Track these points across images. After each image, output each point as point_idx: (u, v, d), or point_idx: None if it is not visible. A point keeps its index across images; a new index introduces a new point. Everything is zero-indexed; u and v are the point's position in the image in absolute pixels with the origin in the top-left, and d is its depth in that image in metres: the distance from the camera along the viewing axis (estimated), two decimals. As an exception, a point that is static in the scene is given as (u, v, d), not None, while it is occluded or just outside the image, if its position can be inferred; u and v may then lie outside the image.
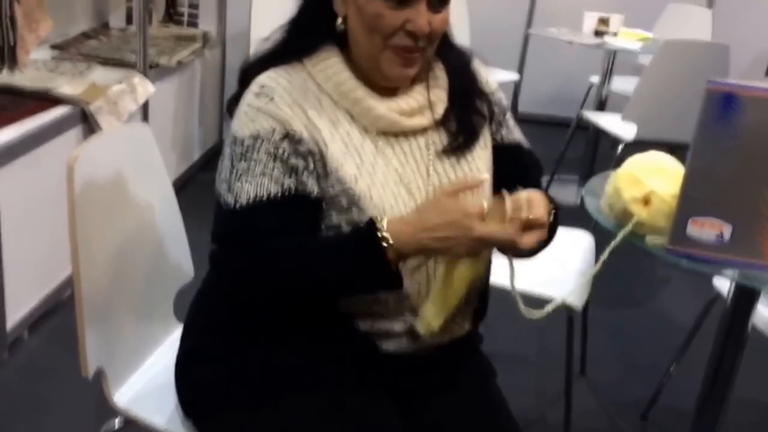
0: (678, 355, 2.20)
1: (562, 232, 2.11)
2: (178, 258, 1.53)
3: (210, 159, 3.75)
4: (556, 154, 3.77)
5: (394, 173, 1.18)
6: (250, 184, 1.10)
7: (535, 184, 1.29)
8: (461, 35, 4.20)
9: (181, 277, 1.55)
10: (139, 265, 1.43)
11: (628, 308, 2.91)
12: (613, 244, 1.28)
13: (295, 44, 1.20)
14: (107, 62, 2.84)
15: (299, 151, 1.12)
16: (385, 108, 1.18)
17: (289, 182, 1.11)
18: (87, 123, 2.40)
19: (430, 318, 1.16)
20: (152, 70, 2.91)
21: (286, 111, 1.13)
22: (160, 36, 3.36)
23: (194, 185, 3.48)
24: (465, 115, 1.25)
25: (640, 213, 1.34)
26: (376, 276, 1.08)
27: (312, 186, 1.13)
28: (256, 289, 1.13)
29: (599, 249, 2.10)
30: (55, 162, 2.24)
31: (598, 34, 3.60)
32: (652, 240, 1.35)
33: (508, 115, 1.35)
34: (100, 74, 2.67)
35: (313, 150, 1.13)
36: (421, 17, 1.12)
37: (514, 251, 1.12)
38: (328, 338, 1.19)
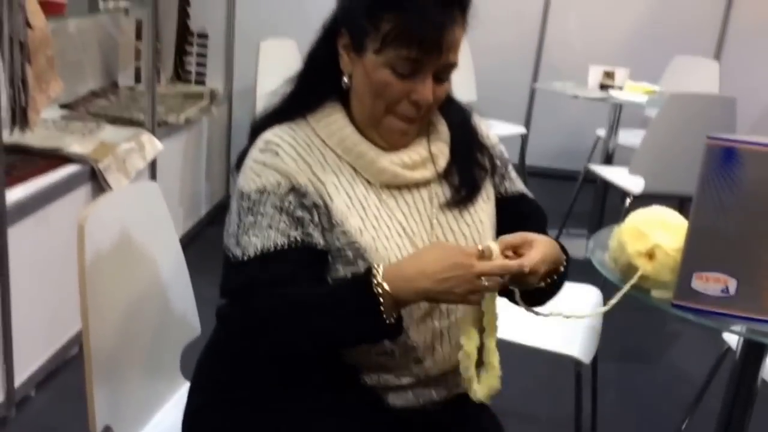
0: (690, 410, 2.16)
1: (570, 287, 2.11)
2: (186, 314, 1.54)
3: (217, 214, 3.78)
4: (564, 207, 3.77)
5: (398, 225, 1.19)
6: (257, 237, 1.12)
7: (541, 232, 1.30)
8: (468, 90, 4.26)
9: (188, 333, 1.55)
10: (148, 322, 1.44)
11: (639, 363, 2.87)
12: (620, 294, 1.28)
13: (300, 100, 1.23)
14: (116, 121, 2.88)
15: (304, 204, 1.15)
16: (388, 161, 1.20)
17: (296, 234, 1.13)
18: (96, 181, 2.43)
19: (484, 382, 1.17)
20: (160, 128, 2.96)
21: (291, 165, 1.16)
22: (168, 94, 3.42)
23: (201, 240, 3.49)
24: (467, 168, 1.28)
25: (644, 267, 1.35)
26: (373, 325, 1.08)
27: (318, 238, 1.15)
28: (264, 340, 1.13)
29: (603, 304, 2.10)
30: (64, 219, 2.27)
31: (603, 87, 3.63)
32: (657, 294, 1.35)
33: (510, 167, 1.37)
34: (109, 133, 2.71)
35: (318, 203, 1.15)
36: (426, 89, 1.15)
37: (522, 283, 1.13)
38: (335, 393, 1.20)
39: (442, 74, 1.16)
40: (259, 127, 1.23)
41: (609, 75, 3.62)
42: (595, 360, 2.06)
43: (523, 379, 2.41)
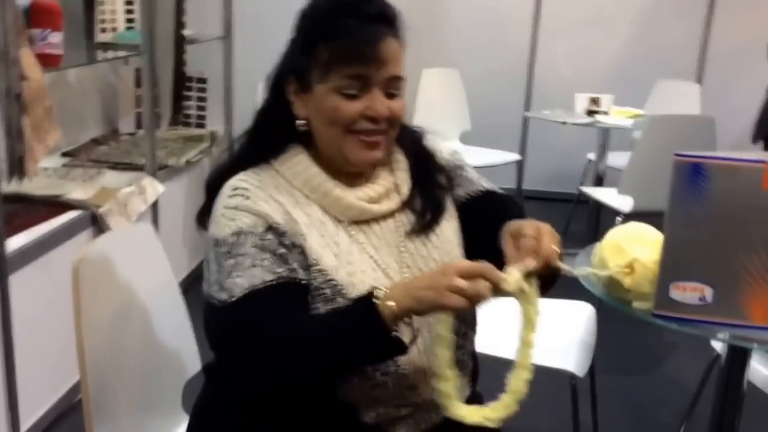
0: (686, 417, 2.20)
1: (564, 304, 2.16)
2: (185, 351, 1.56)
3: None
4: (560, 228, 3.82)
5: (369, 260, 1.21)
6: (242, 277, 1.11)
7: (519, 217, 1.27)
8: (462, 120, 4.37)
9: (189, 368, 1.57)
10: (146, 360, 1.46)
11: (637, 376, 2.92)
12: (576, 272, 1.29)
13: (261, 148, 1.25)
14: (117, 166, 2.93)
15: (284, 243, 1.15)
16: (354, 197, 1.23)
17: (281, 270, 1.13)
18: (98, 226, 2.47)
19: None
20: (161, 171, 3.00)
21: (263, 206, 1.16)
22: (169, 138, 3.47)
23: (205, 280, 3.52)
24: (429, 192, 1.30)
25: (624, 280, 1.39)
26: (377, 337, 1.06)
27: (301, 273, 1.15)
28: (264, 379, 1.11)
29: (601, 320, 2.14)
30: (65, 265, 2.25)
31: (590, 113, 3.71)
32: (639, 305, 1.39)
33: (463, 171, 1.37)
34: (110, 178, 2.76)
35: (296, 242, 1.16)
36: (378, 103, 1.18)
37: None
38: None
39: (391, 89, 1.20)
40: (218, 178, 1.23)
41: (595, 101, 3.71)
42: (592, 374, 2.10)
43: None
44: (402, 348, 1.08)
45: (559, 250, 1.14)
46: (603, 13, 4.84)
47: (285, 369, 1.09)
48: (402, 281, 1.14)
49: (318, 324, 1.13)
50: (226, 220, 1.16)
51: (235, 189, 1.18)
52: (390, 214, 1.27)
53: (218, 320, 1.13)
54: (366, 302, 1.07)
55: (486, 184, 1.37)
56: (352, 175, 1.25)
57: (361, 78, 1.17)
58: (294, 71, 1.21)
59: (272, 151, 1.24)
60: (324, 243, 1.18)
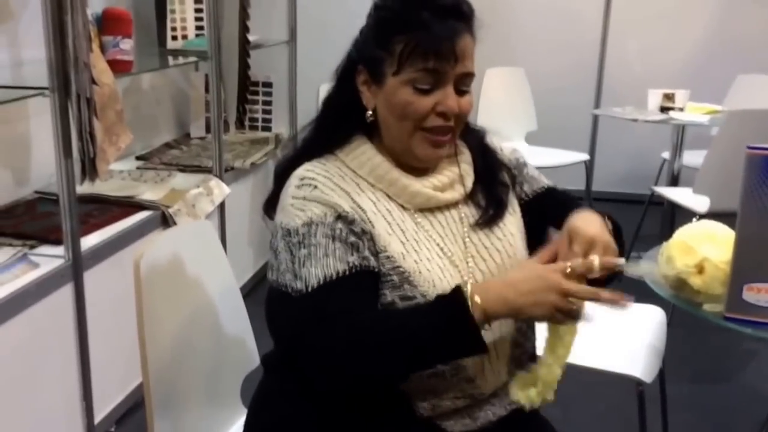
0: (764, 427, 2.10)
1: (634, 308, 2.09)
2: (245, 346, 1.58)
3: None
4: (632, 231, 3.73)
5: (435, 247, 1.22)
6: (316, 267, 1.12)
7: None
8: (528, 120, 4.27)
9: (248, 364, 1.59)
10: (207, 355, 1.49)
11: (714, 384, 2.81)
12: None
13: (326, 139, 1.26)
14: (186, 169, 3.04)
15: (354, 231, 1.16)
16: (420, 185, 1.23)
17: (353, 259, 1.13)
18: (167, 225, 2.55)
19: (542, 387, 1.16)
20: (228, 173, 3.09)
21: (331, 195, 1.17)
22: (236, 141, 3.57)
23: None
24: (492, 188, 1.31)
25: (694, 281, 1.34)
26: (463, 337, 1.07)
27: (373, 261, 1.16)
28: (343, 373, 1.10)
29: (674, 326, 2.07)
30: (137, 263, 2.38)
31: (664, 110, 3.59)
32: (710, 308, 1.34)
33: (527, 169, 1.39)
34: (179, 180, 2.87)
35: (365, 229, 1.17)
36: (450, 99, 1.18)
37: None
38: (392, 428, 1.20)
39: (462, 85, 1.19)
40: (285, 168, 1.25)
41: (669, 97, 3.58)
42: (662, 381, 2.03)
43: (591, 403, 2.40)
44: (483, 348, 1.08)
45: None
46: (678, 5, 4.68)
47: (365, 363, 1.09)
48: (490, 282, 1.14)
49: (400, 318, 1.13)
50: (295, 210, 1.17)
51: (303, 179, 1.20)
52: (454, 205, 1.28)
53: (294, 310, 1.14)
54: (456, 300, 1.07)
55: (546, 180, 1.40)
56: (417, 166, 1.26)
57: (435, 73, 1.17)
58: (366, 61, 1.22)
59: (337, 142, 1.25)
60: (391, 230, 1.19)
